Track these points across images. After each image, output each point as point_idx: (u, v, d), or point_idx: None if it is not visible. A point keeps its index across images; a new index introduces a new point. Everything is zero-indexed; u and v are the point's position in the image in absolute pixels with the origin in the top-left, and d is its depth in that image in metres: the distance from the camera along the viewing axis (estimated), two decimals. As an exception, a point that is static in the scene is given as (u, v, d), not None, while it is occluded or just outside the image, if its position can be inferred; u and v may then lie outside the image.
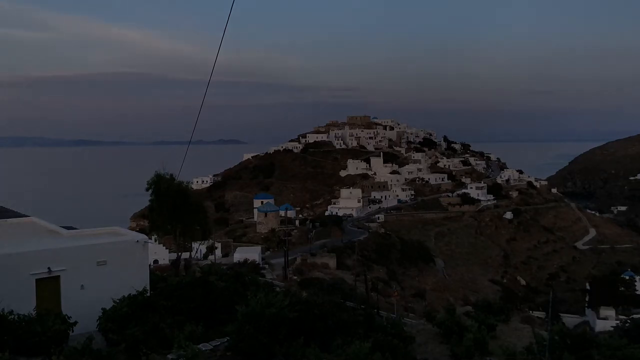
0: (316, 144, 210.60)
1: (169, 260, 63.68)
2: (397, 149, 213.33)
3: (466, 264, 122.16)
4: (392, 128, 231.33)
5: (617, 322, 38.67)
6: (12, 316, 16.02)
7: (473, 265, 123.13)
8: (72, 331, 16.60)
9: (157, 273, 34.23)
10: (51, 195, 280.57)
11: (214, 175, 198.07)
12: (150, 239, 44.71)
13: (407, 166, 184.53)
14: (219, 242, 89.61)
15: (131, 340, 15.57)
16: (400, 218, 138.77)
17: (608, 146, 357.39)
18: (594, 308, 73.73)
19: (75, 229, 25.75)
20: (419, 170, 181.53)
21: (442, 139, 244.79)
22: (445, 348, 18.94)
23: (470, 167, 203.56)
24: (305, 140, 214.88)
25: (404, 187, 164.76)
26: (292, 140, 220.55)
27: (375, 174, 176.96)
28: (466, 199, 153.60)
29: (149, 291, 19.84)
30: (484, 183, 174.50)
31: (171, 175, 39.86)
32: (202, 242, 55.39)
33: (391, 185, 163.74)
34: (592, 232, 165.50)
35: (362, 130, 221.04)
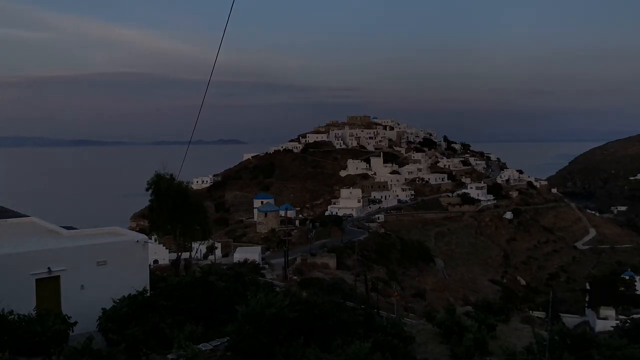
0: (316, 144, 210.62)
1: (169, 260, 63.68)
2: (397, 149, 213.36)
3: (466, 264, 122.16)
4: (392, 128, 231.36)
5: (617, 322, 38.65)
6: (12, 316, 16.02)
7: (473, 265, 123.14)
8: (72, 331, 16.60)
9: (157, 273, 34.28)
10: (51, 195, 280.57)
11: (214, 175, 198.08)
12: (150, 239, 44.75)
13: (407, 166, 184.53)
14: (219, 242, 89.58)
15: (131, 340, 15.57)
16: (400, 218, 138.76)
17: (608, 146, 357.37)
18: (594, 308, 73.71)
19: (75, 229, 25.75)
20: (419, 170, 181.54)
21: (442, 139, 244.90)
22: (445, 348, 18.94)
23: (470, 167, 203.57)
24: (305, 140, 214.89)
25: (404, 187, 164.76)
26: (292, 140, 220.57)
27: (375, 174, 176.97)
28: (466, 199, 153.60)
29: (149, 291, 19.83)
30: (484, 183, 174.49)
31: (171, 175, 39.89)
32: (202, 242, 55.39)
33: (391, 185, 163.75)
34: (592, 232, 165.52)
35: (362, 130, 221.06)
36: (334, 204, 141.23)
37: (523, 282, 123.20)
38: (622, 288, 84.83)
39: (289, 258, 68.84)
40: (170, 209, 39.54)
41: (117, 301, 18.36)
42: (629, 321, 29.70)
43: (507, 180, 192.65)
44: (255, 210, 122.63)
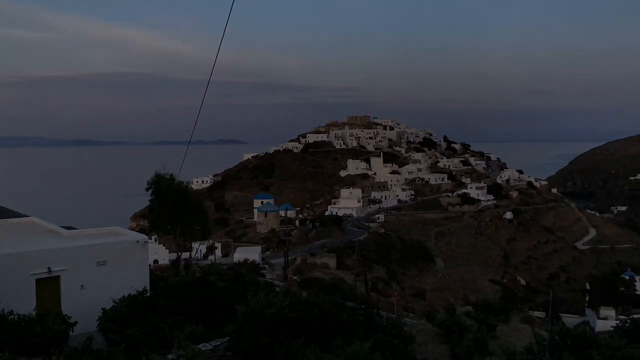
0: (316, 144, 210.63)
1: (169, 260, 63.69)
2: (397, 149, 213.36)
3: (466, 264, 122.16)
4: (392, 128, 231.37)
5: (617, 322, 38.61)
6: (12, 316, 16.02)
7: (473, 265, 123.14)
8: (72, 331, 16.60)
9: (157, 273, 34.28)
10: (51, 195, 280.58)
11: (214, 175, 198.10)
12: (150, 239, 44.76)
13: (407, 166, 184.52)
14: (219, 242, 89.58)
15: (131, 340, 15.57)
16: (400, 218, 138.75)
17: (608, 146, 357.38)
18: (594, 308, 73.70)
19: (75, 229, 25.75)
20: (419, 170, 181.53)
21: (442, 139, 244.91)
22: (445, 348, 18.94)
23: (470, 167, 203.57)
24: (305, 140, 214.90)
25: (404, 187, 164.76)
26: (292, 140, 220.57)
27: (375, 174, 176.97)
28: (466, 199, 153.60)
29: (149, 291, 19.83)
30: (484, 183, 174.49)
31: (171, 175, 39.87)
32: (202, 242, 55.39)
33: (391, 185, 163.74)
34: (592, 232, 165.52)
35: (362, 130, 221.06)
36: (334, 204, 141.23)
37: (523, 282, 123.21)
38: (622, 288, 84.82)
39: (289, 258, 68.83)
40: (170, 209, 39.52)
41: (117, 301, 18.36)
42: (629, 321, 29.67)
43: (507, 180, 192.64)
44: (255, 210, 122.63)
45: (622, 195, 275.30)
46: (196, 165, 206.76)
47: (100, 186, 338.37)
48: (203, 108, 19.68)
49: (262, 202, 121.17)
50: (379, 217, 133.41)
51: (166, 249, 72.10)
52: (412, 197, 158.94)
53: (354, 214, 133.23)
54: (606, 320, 62.87)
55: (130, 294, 18.58)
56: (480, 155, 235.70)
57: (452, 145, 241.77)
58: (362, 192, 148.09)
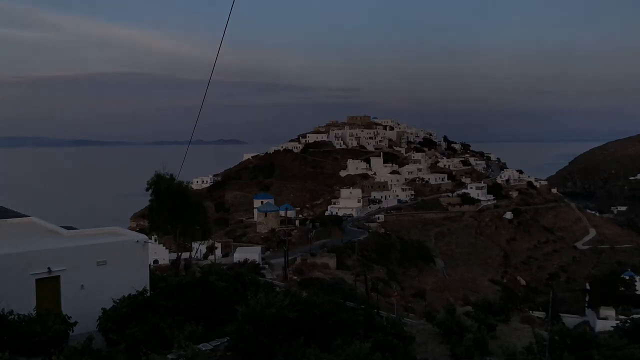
0: (316, 144, 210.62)
1: (169, 260, 63.69)
2: (397, 149, 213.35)
3: (466, 264, 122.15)
4: (392, 128, 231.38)
5: (617, 322, 38.61)
6: (12, 316, 16.02)
7: (473, 265, 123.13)
8: (72, 331, 16.60)
9: (157, 273, 34.28)
10: (51, 195, 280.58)
11: (214, 175, 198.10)
12: (150, 239, 44.75)
13: (407, 166, 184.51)
14: (219, 242, 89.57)
15: (131, 340, 15.57)
16: (400, 218, 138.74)
17: (608, 146, 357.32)
18: (594, 308, 73.70)
19: (75, 229, 25.74)
20: (419, 170, 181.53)
21: (442, 139, 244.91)
22: (445, 348, 18.94)
23: (470, 167, 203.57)
24: (305, 140, 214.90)
25: (404, 187, 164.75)
26: (292, 140, 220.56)
27: (375, 174, 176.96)
28: (466, 199, 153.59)
29: (149, 291, 19.83)
30: (484, 183, 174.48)
31: (171, 175, 39.87)
32: (202, 242, 55.38)
33: (391, 185, 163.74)
34: (592, 232, 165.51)
35: (362, 130, 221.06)
36: (334, 204, 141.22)
37: (523, 282, 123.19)
38: (622, 288, 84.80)
39: (289, 258, 68.82)
40: (170, 209, 39.52)
41: (117, 301, 18.35)
42: (629, 321, 29.65)
43: (507, 180, 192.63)
44: (255, 210, 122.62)
45: (622, 195, 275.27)
46: (196, 165, 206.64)
47: (100, 186, 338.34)
48: (203, 108, 19.70)
49: (262, 202, 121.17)
50: (379, 217, 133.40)
51: (166, 249, 72.09)
52: (412, 197, 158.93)
53: (354, 214, 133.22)
54: (606, 320, 62.86)
55: (130, 294, 18.57)
56: (480, 155, 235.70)
57: (452, 145, 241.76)
58: (362, 192, 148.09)
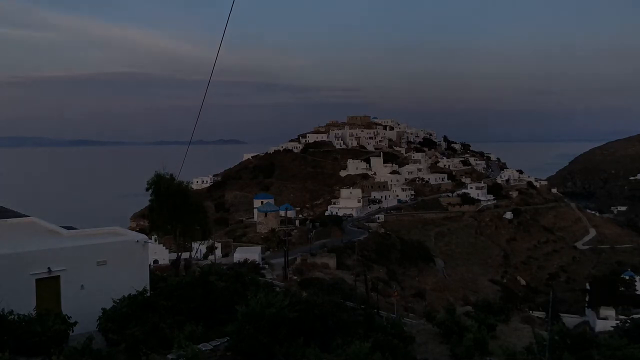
0: (316, 144, 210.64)
1: (169, 260, 63.70)
2: (397, 149, 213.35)
3: (466, 264, 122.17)
4: (392, 128, 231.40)
5: (617, 322, 38.59)
6: (12, 316, 16.01)
7: (473, 265, 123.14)
8: (72, 331, 16.59)
9: (157, 273, 34.28)
10: (51, 195, 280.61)
11: (214, 175, 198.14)
12: (150, 239, 44.75)
13: (407, 166, 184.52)
14: (219, 242, 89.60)
15: (131, 340, 15.56)
16: (400, 218, 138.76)
17: (608, 146, 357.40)
18: (594, 308, 73.74)
19: (75, 229, 25.74)
20: (419, 170, 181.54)
21: (442, 139, 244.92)
22: (445, 348, 18.93)
23: (470, 167, 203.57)
24: (305, 140, 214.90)
25: (404, 187, 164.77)
26: (292, 140, 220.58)
27: (375, 174, 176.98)
28: (466, 199, 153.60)
29: (149, 291, 19.82)
30: (484, 183, 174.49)
31: (171, 175, 39.87)
32: (202, 242, 55.39)
33: (391, 185, 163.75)
34: (592, 232, 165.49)
35: (362, 130, 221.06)
36: (334, 204, 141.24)
37: (523, 282, 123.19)
38: (622, 288, 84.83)
39: (289, 258, 68.84)
40: (170, 209, 39.51)
41: (117, 301, 18.35)
42: (629, 321, 29.64)
43: (507, 180, 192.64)
44: (255, 210, 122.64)
45: (622, 195, 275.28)
46: (196, 165, 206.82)
47: (100, 186, 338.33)
48: (203, 108, 19.71)
49: (262, 202, 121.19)
50: (379, 217, 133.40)
51: (166, 249, 72.12)
52: (412, 197, 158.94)
53: (354, 214, 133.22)
54: (606, 320, 62.90)
55: (130, 294, 18.57)
56: (480, 155, 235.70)
57: (452, 145, 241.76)
58: (362, 192, 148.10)
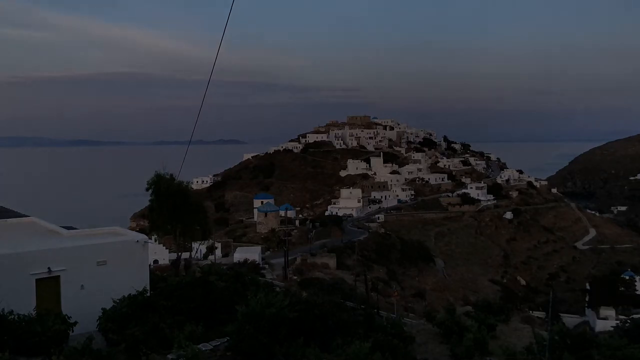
0: (316, 144, 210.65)
1: (169, 260, 63.70)
2: (397, 149, 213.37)
3: (466, 264, 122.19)
4: (392, 128, 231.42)
5: (617, 322, 38.59)
6: (12, 316, 16.02)
7: (473, 265, 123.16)
8: (72, 331, 16.59)
9: (157, 273, 34.29)
10: (51, 195, 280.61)
11: (214, 175, 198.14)
12: (150, 239, 44.75)
13: (407, 166, 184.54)
14: (219, 242, 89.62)
15: (131, 340, 15.56)
16: (400, 218, 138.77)
17: (608, 146, 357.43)
18: (594, 308, 73.76)
19: (75, 229, 25.75)
20: (419, 170, 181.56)
21: (442, 139, 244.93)
22: (445, 348, 18.93)
23: (470, 167, 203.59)
24: (305, 140, 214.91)
25: (404, 187, 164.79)
26: (292, 140, 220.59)
27: (375, 174, 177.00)
28: (466, 199, 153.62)
29: (149, 291, 19.83)
30: (484, 183, 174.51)
31: (171, 175, 39.85)
32: (202, 242, 55.39)
33: (391, 185, 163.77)
34: (592, 232, 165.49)
35: (362, 130, 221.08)
36: (334, 204, 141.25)
37: (523, 282, 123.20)
38: (622, 288, 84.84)
39: (289, 258, 68.86)
40: (170, 209, 39.50)
41: (117, 301, 18.35)
42: (629, 321, 29.63)
43: (507, 180, 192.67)
44: (255, 210, 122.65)
45: (622, 195, 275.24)
46: (196, 165, 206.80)
47: (100, 186, 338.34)
48: (203, 108, 19.71)
49: (262, 202, 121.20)
50: (379, 217, 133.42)
51: (166, 249, 72.12)
52: (412, 197, 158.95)
53: (354, 214, 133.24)
54: (606, 320, 62.92)
55: (130, 294, 18.57)
56: (480, 155, 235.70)
57: (452, 145, 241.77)
58: (362, 192, 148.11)
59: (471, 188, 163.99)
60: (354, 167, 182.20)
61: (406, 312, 54.06)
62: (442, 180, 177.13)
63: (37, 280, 18.81)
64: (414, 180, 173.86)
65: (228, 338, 15.45)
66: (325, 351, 14.72)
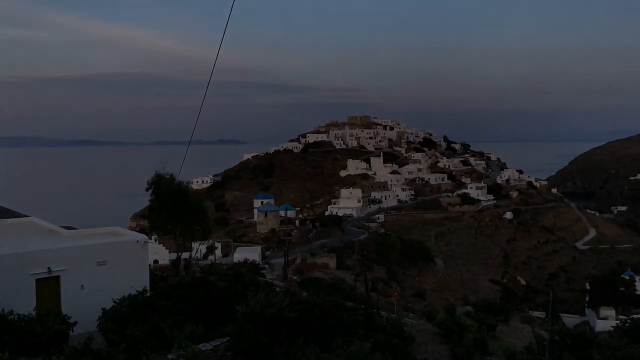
0: (316, 144, 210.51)
1: (169, 260, 63.68)
2: (397, 149, 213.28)
3: (466, 264, 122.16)
4: (392, 128, 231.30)
5: (617, 322, 38.65)
6: (12, 316, 16.01)
7: (473, 265, 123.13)
8: (72, 331, 16.59)
9: (157, 273, 34.27)
10: (51, 195, 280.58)
11: (214, 175, 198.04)
12: (150, 239, 44.67)
13: (407, 166, 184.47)
14: (219, 242, 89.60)
15: (131, 340, 15.56)
16: (400, 218, 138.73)
17: (608, 146, 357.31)
18: (594, 308, 73.80)
19: (75, 229, 25.74)
20: (419, 170, 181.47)
21: (442, 139, 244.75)
22: (445, 348, 18.93)
23: (470, 167, 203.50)
24: (305, 140, 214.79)
25: (404, 187, 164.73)
26: (292, 140, 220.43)
27: (375, 174, 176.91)
28: (466, 199, 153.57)
29: (149, 291, 19.83)
30: (484, 183, 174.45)
31: (171, 175, 39.81)
32: (202, 242, 55.33)
33: (391, 185, 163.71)
34: (592, 232, 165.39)
35: (362, 130, 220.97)
36: (334, 204, 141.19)
37: (523, 282, 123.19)
38: (622, 288, 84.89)
39: (289, 258, 68.88)
40: (170, 209, 39.47)
41: (117, 301, 18.35)
42: (629, 321, 29.70)
43: (507, 180, 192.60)
44: (255, 210, 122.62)
45: (622, 195, 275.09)
46: (196, 165, 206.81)
47: (100, 186, 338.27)
48: (203, 108, 19.71)
49: (262, 202, 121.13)
50: (379, 217, 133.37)
51: (166, 249, 72.11)
52: (412, 197, 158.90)
53: (354, 214, 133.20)
54: (606, 320, 62.96)
55: (130, 294, 18.56)
56: (480, 155, 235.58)
57: (452, 145, 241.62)
58: (362, 192, 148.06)
59: (471, 188, 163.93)
60: (354, 167, 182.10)
61: (406, 312, 54.04)
62: (442, 180, 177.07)
63: (37, 280, 18.82)
64: (414, 180, 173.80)
65: (228, 338, 15.45)
66: (325, 351, 14.71)
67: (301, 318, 15.96)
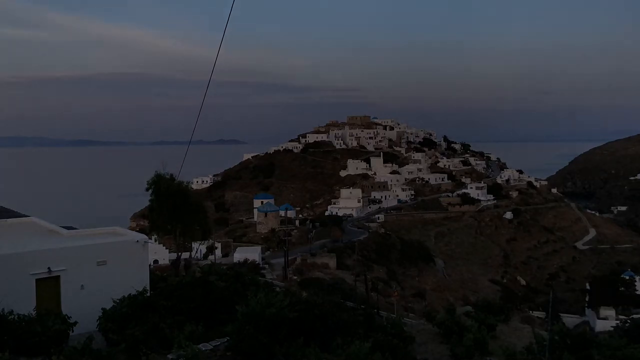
0: (316, 144, 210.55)
1: (169, 260, 63.67)
2: (397, 149, 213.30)
3: (466, 264, 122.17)
4: (392, 128, 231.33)
5: (617, 322, 38.63)
6: (12, 316, 16.01)
7: (473, 265, 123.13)
8: (72, 331, 16.59)
9: (157, 273, 34.27)
10: (51, 195, 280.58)
11: (214, 175, 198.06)
12: (150, 239, 44.67)
13: (407, 166, 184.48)
14: (219, 242, 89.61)
15: (131, 340, 15.56)
16: (400, 218, 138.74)
17: (608, 146, 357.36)
18: (594, 308, 73.80)
19: (75, 229, 25.74)
20: (419, 170, 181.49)
21: (442, 139, 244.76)
22: (445, 348, 18.93)
23: (470, 167, 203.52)
24: (305, 140, 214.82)
25: (404, 187, 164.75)
26: (292, 140, 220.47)
27: (375, 174, 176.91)
28: (466, 199, 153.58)
29: (149, 291, 19.82)
30: (484, 183, 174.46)
31: (171, 175, 39.79)
32: (202, 242, 55.32)
33: (391, 185, 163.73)
34: (592, 232, 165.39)
35: (362, 130, 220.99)
36: (334, 204, 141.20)
37: (523, 282, 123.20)
38: (622, 288, 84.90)
39: (289, 258, 68.87)
40: (170, 209, 39.45)
41: (117, 301, 18.35)
42: (629, 321, 29.70)
43: (507, 180, 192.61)
44: (255, 210, 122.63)
45: (622, 195, 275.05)
46: (196, 165, 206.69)
47: (100, 186, 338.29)
48: (203, 108, 19.71)
49: (262, 202, 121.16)
50: (379, 217, 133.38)
51: (166, 249, 72.10)
52: (412, 197, 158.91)
53: (354, 214, 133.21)
54: (606, 320, 62.97)
55: (130, 294, 18.56)
56: (480, 155, 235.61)
57: (452, 145, 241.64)
58: (362, 192, 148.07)
59: (471, 188, 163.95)
60: (354, 167, 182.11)
61: (406, 312, 54.04)
62: (442, 180, 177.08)
63: (37, 280, 18.82)
64: (414, 180, 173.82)
65: (228, 338, 15.45)
66: (325, 351, 14.72)
67: (301, 318, 15.96)
